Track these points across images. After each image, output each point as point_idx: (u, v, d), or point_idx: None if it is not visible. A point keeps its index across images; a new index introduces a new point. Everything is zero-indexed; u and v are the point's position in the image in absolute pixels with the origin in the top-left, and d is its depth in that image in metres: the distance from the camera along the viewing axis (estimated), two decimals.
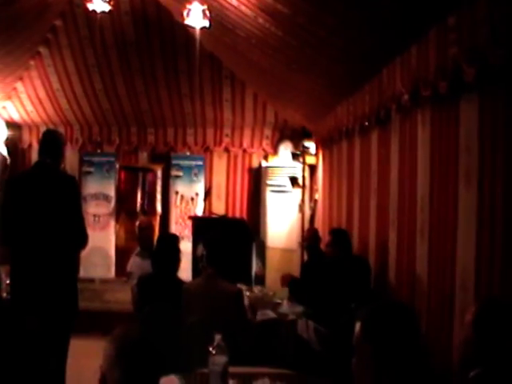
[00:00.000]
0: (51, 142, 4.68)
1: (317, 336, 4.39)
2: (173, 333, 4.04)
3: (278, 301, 5.52)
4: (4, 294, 5.25)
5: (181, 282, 4.73)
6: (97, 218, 9.32)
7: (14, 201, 4.49)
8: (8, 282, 5.30)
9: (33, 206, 4.45)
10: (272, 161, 9.18)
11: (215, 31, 6.13)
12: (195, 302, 4.34)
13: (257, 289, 6.19)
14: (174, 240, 4.89)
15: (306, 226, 8.47)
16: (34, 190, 4.51)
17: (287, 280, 5.62)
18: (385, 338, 2.06)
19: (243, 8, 5.17)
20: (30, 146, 9.68)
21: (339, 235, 5.35)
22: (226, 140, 9.41)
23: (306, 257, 6.93)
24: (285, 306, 5.27)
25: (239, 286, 4.98)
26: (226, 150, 9.52)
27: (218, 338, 3.14)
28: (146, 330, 3.61)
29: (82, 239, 4.71)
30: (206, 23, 5.43)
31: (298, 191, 8.74)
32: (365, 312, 2.16)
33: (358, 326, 2.12)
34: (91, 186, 9.40)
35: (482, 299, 2.82)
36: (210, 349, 3.13)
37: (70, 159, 9.42)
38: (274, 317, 4.98)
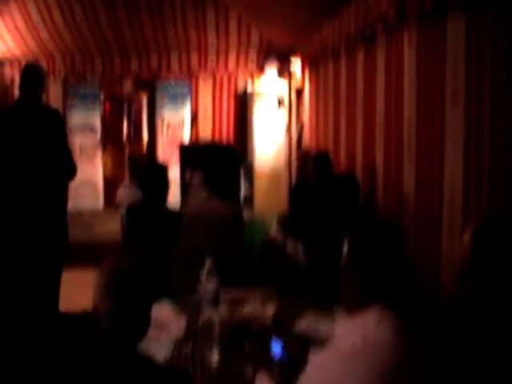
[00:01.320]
0: (31, 75, 4.61)
1: (305, 255, 4.44)
2: (162, 261, 4.08)
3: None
4: None
5: (170, 211, 4.73)
6: (83, 150, 9.27)
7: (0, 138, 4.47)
8: None
9: (19, 141, 4.44)
10: (258, 84, 9.07)
11: None
12: (193, 225, 4.34)
13: (246, 212, 6.22)
14: (163, 170, 4.87)
15: (294, 148, 8.46)
16: (19, 126, 4.49)
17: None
18: (371, 258, 2.08)
19: None
20: (13, 81, 9.47)
21: (320, 159, 5.36)
22: (211, 65, 9.25)
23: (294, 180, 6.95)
24: (274, 230, 5.30)
25: None
26: (212, 74, 9.37)
27: (208, 262, 3.17)
28: (135, 260, 3.66)
29: (71, 170, 4.73)
30: None
31: (284, 114, 8.68)
32: (352, 233, 2.17)
33: (345, 247, 2.14)
34: (76, 118, 9.29)
35: (479, 218, 2.85)
36: (201, 274, 3.17)
37: (54, 91, 9.27)
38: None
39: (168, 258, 4.19)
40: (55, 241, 4.62)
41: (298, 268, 4.41)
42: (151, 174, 4.86)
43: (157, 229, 4.40)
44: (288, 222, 5.11)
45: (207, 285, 3.15)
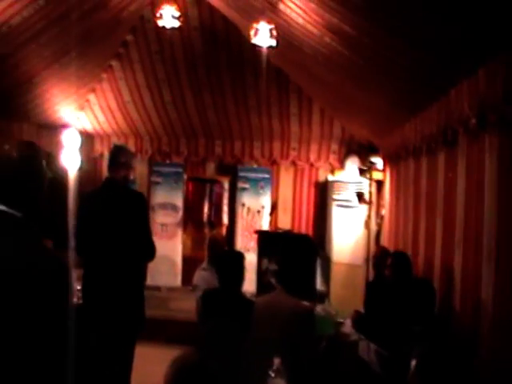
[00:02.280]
0: (119, 157, 4.84)
1: (378, 358, 4.34)
2: (233, 349, 4.07)
3: (341, 320, 5.46)
4: (74, 299, 5.43)
5: (245, 298, 4.76)
6: (164, 227, 9.49)
7: (87, 215, 4.67)
8: (79, 287, 5.52)
9: (104, 220, 4.63)
10: (338, 175, 9.14)
11: (282, 48, 6.16)
12: (263, 319, 4.33)
13: (320, 307, 6.14)
14: (239, 257, 4.93)
15: (372, 241, 8.38)
16: (105, 205, 4.68)
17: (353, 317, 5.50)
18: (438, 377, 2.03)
19: (309, 27, 5.18)
20: (102, 154, 9.97)
21: (399, 258, 5.28)
22: (293, 153, 9.42)
23: (372, 275, 6.85)
24: (347, 326, 5.22)
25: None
26: (293, 163, 9.52)
27: (277, 361, 3.15)
28: (205, 351, 3.67)
29: (151, 252, 4.86)
30: (273, 42, 5.46)
31: (364, 207, 8.67)
32: (421, 350, 2.13)
33: (413, 363, 2.10)
34: (160, 196, 9.58)
35: None
36: (270, 372, 3.15)
37: (140, 169, 9.65)
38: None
39: (239, 346, 4.18)
40: (132, 315, 4.70)
41: (370, 373, 4.31)
42: (228, 260, 4.92)
43: (231, 316, 4.42)
44: (362, 320, 5.01)
45: (275, 382, 3.12)
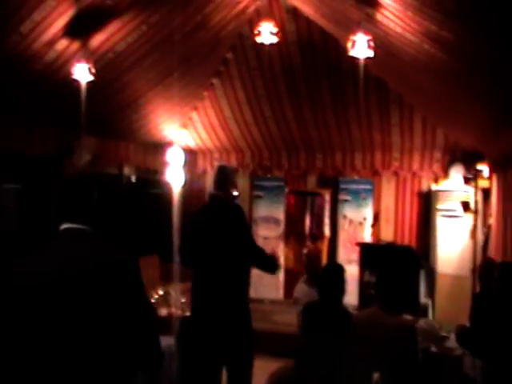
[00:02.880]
0: (223, 177, 4.97)
1: (484, 376, 4.18)
2: (332, 365, 4.05)
3: (445, 334, 5.31)
4: (179, 311, 5.61)
5: (345, 312, 4.73)
6: (267, 241, 9.57)
7: (194, 231, 4.82)
8: (183, 300, 5.68)
9: (211, 235, 4.75)
10: (442, 184, 8.92)
11: (381, 57, 6.11)
12: (362, 333, 4.28)
13: (422, 321, 5.99)
14: (340, 270, 4.91)
15: (479, 252, 8.11)
16: (212, 221, 4.82)
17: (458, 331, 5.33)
18: None
19: (408, 35, 5.12)
20: (205, 170, 10.23)
21: (507, 269, 5.07)
22: (395, 163, 9.28)
23: (478, 287, 6.62)
24: (452, 341, 5.06)
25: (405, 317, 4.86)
26: (395, 173, 9.38)
27: (376, 376, 3.12)
28: (304, 365, 3.69)
29: (273, 265, 4.99)
30: (371, 53, 5.43)
31: (469, 216, 8.40)
32: None
33: None
34: (261, 210, 9.70)
35: None
36: None
37: (242, 184, 9.80)
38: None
39: (338, 361, 4.16)
40: (242, 329, 4.77)
41: None
42: (328, 273, 4.91)
43: (331, 330, 4.41)
44: (467, 335, 4.85)
45: None
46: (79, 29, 5.70)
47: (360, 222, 9.28)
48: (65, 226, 2.48)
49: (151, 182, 9.75)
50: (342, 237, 9.39)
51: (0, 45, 5.55)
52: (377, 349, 3.91)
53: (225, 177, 4.93)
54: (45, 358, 2.26)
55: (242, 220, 5.09)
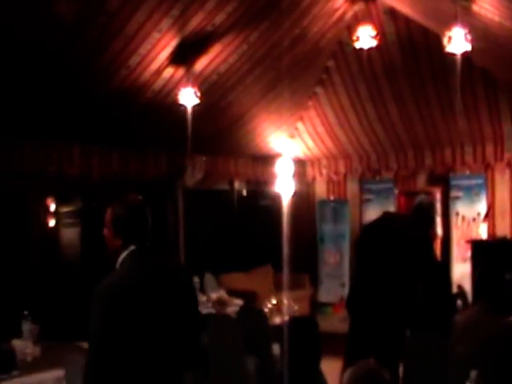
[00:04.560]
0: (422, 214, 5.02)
1: None
2: (436, 364, 4.02)
3: None
4: None
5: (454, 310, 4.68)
6: None
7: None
8: (296, 308, 5.80)
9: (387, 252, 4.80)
10: None
11: (483, 48, 5.98)
12: (464, 334, 4.21)
13: None
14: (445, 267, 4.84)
15: None
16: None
17: None
18: None
19: (508, 23, 5.01)
20: (314, 179, 10.35)
21: None
22: (508, 155, 8.96)
23: None
24: None
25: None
26: (509, 165, 9.05)
27: (473, 373, 3.09)
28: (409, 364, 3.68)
29: None
30: (468, 47, 5.32)
31: None
32: None
33: None
34: (372, 213, 9.63)
35: None
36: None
37: (351, 188, 9.86)
38: None
39: (442, 360, 4.12)
40: None
41: None
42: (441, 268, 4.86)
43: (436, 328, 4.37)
44: None
45: None
46: (183, 56, 6.01)
47: (474, 218, 9.02)
48: (132, 247, 2.84)
49: (262, 194, 9.97)
50: (456, 235, 9.16)
51: (111, 80, 5.94)
52: (478, 348, 3.85)
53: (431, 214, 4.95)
54: (140, 343, 2.69)
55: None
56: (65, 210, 10.43)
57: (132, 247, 2.83)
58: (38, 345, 5.04)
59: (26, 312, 5.12)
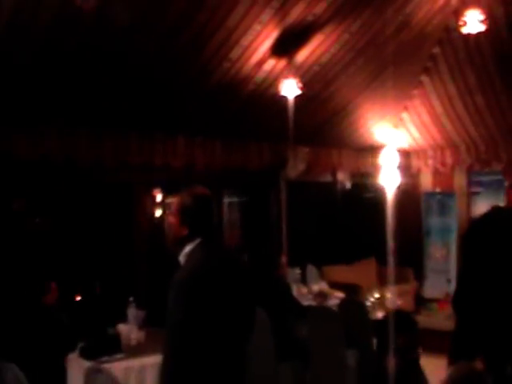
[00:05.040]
0: None
1: None
2: None
3: None
4: None
5: None
6: None
7: None
8: (399, 302, 5.67)
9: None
10: None
11: None
12: None
13: None
14: None
15: None
16: None
17: None
18: None
19: None
20: (419, 170, 10.07)
21: None
22: None
23: None
24: None
25: None
26: None
27: None
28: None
29: None
30: None
31: None
32: None
33: None
34: (480, 206, 9.27)
35: None
36: None
37: (458, 180, 9.51)
38: None
39: None
40: None
41: None
42: None
43: None
44: None
45: None
46: (284, 47, 5.99)
47: None
48: (199, 239, 2.92)
49: (365, 186, 9.82)
50: None
51: (213, 72, 6.02)
52: None
53: None
54: (216, 331, 2.83)
55: None
56: (170, 200, 10.72)
57: (199, 239, 2.89)
58: (143, 330, 5.21)
59: (131, 298, 5.29)
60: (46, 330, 4.98)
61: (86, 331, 5.12)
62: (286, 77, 6.23)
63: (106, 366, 4.16)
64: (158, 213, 10.72)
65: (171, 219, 3.00)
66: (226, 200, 9.17)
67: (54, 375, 4.75)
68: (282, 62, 6.26)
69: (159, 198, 10.64)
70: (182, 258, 2.92)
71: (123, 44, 5.25)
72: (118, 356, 4.54)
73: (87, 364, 4.44)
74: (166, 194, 10.60)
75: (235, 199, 9.38)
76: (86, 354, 4.72)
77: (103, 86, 5.71)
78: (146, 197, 8.68)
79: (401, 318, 4.34)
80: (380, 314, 6.18)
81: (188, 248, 2.90)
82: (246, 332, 3.06)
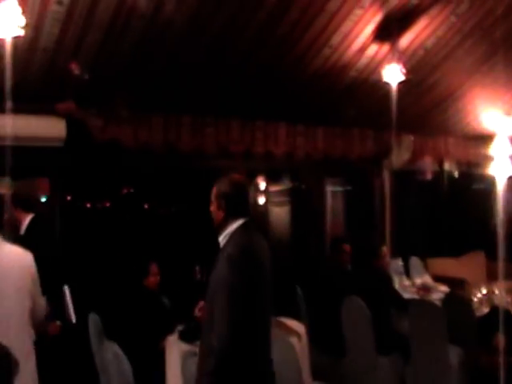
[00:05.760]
0: None
1: None
2: None
3: None
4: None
5: None
6: None
7: None
8: (508, 299, 5.41)
9: None
10: None
11: None
12: None
13: None
14: None
15: None
16: None
17: None
18: None
19: None
20: None
21: None
22: None
23: None
24: None
25: None
26: None
27: None
28: None
29: None
30: None
31: None
32: None
33: None
34: None
35: None
36: None
37: None
38: None
39: None
40: None
41: None
42: None
43: None
44: None
45: None
46: (387, 32, 5.81)
47: None
48: (242, 220, 3.13)
49: (474, 177, 9.42)
50: None
51: (314, 59, 5.94)
52: None
53: None
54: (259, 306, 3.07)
55: None
56: (274, 188, 10.76)
57: (240, 220, 3.12)
58: None
59: None
60: (148, 311, 5.12)
61: (185, 315, 5.22)
62: (389, 62, 6.04)
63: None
64: (262, 201, 10.81)
65: (211, 205, 3.21)
66: (329, 189, 9.08)
67: (153, 357, 4.87)
68: (385, 48, 6.07)
69: (263, 186, 10.72)
70: (222, 239, 3.15)
71: (223, 32, 5.26)
72: None
73: (185, 347, 4.51)
74: (269, 181, 10.65)
75: (338, 188, 9.27)
76: (184, 337, 4.79)
77: (204, 75, 5.76)
78: (249, 185, 8.76)
79: (505, 316, 4.13)
80: (486, 310, 5.90)
81: (228, 230, 3.12)
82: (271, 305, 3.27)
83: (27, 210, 5.14)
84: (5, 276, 3.64)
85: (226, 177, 3.25)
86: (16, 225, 5.09)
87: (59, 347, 4.87)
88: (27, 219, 5.12)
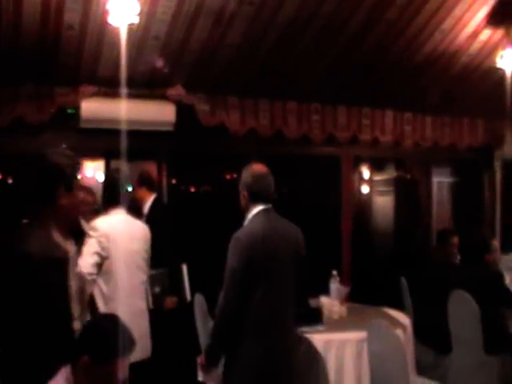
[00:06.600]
0: None
1: None
2: None
3: None
4: None
5: None
6: None
7: None
8: None
9: None
10: None
11: None
12: None
13: None
14: None
15: None
16: None
17: None
18: None
19: None
20: None
21: None
22: None
23: None
24: None
25: None
26: None
27: None
28: None
29: None
30: None
31: None
32: None
33: None
34: None
35: None
36: None
37: None
38: None
39: None
40: None
41: None
42: None
43: None
44: None
45: None
46: (502, 16, 5.58)
47: None
48: (261, 207, 3.46)
49: None
50: None
51: (424, 44, 5.80)
52: None
53: None
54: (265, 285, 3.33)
55: None
56: (378, 177, 10.60)
57: (260, 207, 3.45)
58: (345, 305, 5.21)
59: (334, 272, 5.32)
60: None
61: None
62: (504, 48, 5.81)
63: (307, 336, 4.21)
64: (365, 189, 10.67)
65: (240, 194, 3.53)
66: (436, 179, 8.85)
67: None
68: (500, 32, 5.84)
69: (367, 174, 10.57)
70: (245, 224, 3.48)
71: (331, 17, 5.19)
72: (320, 328, 4.58)
73: None
74: (374, 170, 10.48)
75: (445, 179, 9.02)
76: None
77: (311, 61, 5.74)
78: (353, 172, 8.67)
79: None
80: None
81: (249, 215, 3.48)
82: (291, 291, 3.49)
83: (151, 190, 5.51)
84: (138, 248, 4.28)
85: (248, 166, 3.56)
86: (137, 204, 5.42)
87: (172, 321, 5.10)
88: (150, 199, 5.49)
